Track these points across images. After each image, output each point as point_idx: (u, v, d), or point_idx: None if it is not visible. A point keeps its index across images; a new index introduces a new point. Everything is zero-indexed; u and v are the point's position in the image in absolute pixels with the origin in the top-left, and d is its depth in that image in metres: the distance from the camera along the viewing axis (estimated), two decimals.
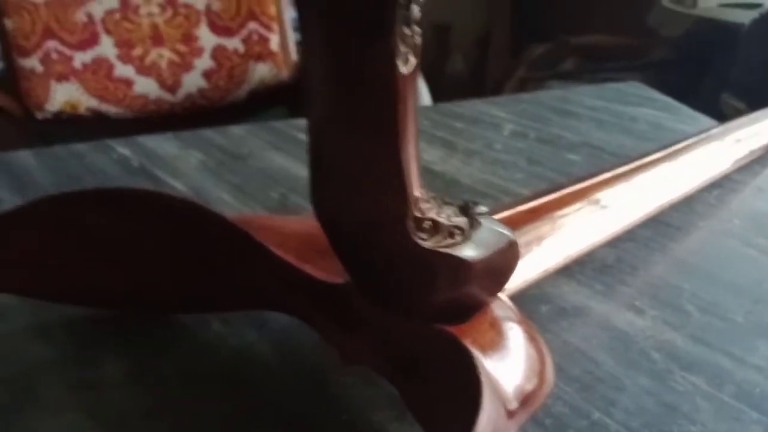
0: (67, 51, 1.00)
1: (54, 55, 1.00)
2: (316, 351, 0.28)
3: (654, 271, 0.36)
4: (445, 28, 1.98)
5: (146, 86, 1.04)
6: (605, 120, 0.58)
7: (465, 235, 0.21)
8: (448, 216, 0.21)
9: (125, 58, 1.03)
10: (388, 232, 0.20)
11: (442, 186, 0.44)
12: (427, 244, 0.20)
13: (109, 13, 1.01)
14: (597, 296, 0.33)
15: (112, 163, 0.47)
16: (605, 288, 0.33)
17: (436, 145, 0.51)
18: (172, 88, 1.06)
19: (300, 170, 0.46)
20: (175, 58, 1.05)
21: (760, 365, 0.29)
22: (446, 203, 0.21)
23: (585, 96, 0.63)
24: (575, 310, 0.32)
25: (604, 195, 0.35)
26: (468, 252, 0.21)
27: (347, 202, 0.19)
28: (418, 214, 0.20)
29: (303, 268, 0.26)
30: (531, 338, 0.25)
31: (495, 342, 0.23)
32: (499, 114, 0.58)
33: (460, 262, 0.21)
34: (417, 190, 0.20)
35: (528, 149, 0.51)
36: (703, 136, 0.44)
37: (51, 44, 0.99)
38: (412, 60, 0.18)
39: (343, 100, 0.18)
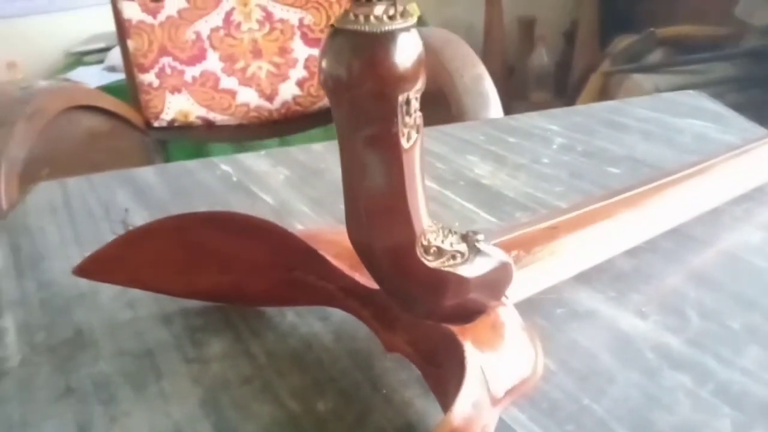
0: (179, 66, 1.14)
1: (168, 70, 1.13)
2: (365, 340, 0.36)
3: (666, 280, 0.40)
4: (530, 21, 1.97)
5: (248, 96, 1.16)
6: (652, 132, 0.60)
7: (465, 257, 0.28)
8: (451, 243, 0.28)
9: (229, 71, 1.15)
10: (402, 255, 0.27)
11: (488, 198, 0.50)
12: (433, 264, 0.27)
13: (215, 30, 1.14)
14: (608, 301, 0.38)
15: (216, 178, 0.57)
16: (617, 294, 0.38)
17: (488, 159, 0.57)
18: (270, 97, 1.17)
19: None
20: (273, 69, 1.16)
21: (746, 367, 0.32)
22: (451, 232, 0.28)
23: (638, 107, 0.66)
24: (587, 313, 0.37)
25: (623, 214, 0.40)
26: (466, 271, 0.28)
27: (371, 232, 0.27)
28: (425, 242, 0.27)
29: (353, 275, 0.33)
30: (529, 341, 0.31)
31: (492, 341, 0.29)
32: (551, 127, 0.63)
33: (460, 278, 0.27)
34: (425, 224, 0.27)
35: (572, 163, 0.55)
36: (737, 151, 0.47)
37: (165, 60, 1.13)
38: (414, 135, 0.25)
39: (365, 163, 0.25)
